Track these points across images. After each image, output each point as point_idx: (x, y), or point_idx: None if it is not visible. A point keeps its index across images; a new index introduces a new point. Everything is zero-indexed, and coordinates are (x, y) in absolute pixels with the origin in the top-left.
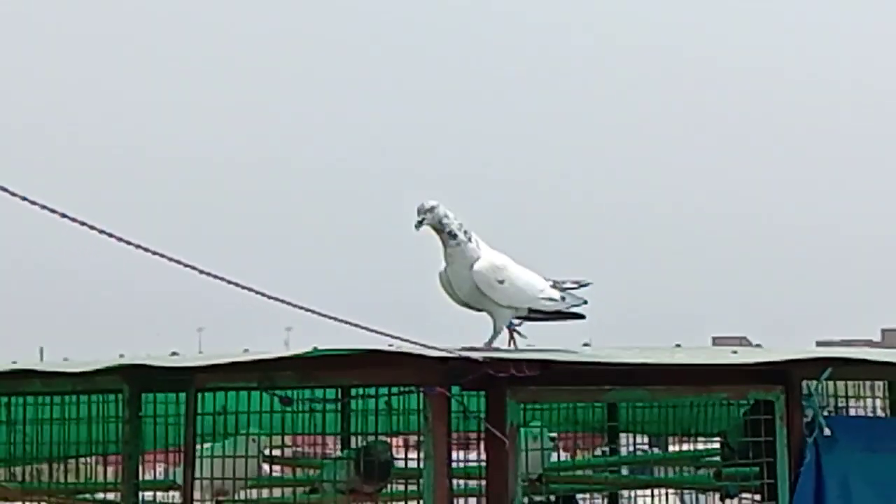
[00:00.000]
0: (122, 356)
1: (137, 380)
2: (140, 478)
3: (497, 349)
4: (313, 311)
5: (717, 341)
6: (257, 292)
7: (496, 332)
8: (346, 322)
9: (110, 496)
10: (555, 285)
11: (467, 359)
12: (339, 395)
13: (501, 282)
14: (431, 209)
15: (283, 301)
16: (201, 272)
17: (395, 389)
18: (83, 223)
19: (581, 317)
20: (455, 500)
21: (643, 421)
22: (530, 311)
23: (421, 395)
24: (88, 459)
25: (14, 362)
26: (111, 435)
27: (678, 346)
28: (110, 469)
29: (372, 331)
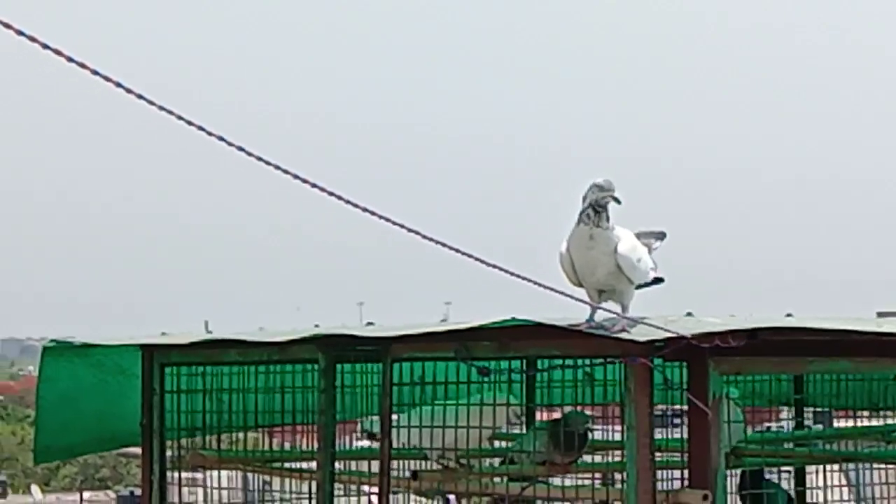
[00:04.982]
0: (317, 326)
1: (333, 350)
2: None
3: (700, 321)
4: (539, 284)
5: (881, 316)
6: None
7: (626, 310)
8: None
9: (305, 465)
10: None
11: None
12: (524, 366)
13: (639, 261)
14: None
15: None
16: (442, 245)
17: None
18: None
19: (661, 280)
20: (657, 473)
21: (829, 395)
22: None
23: (621, 365)
24: (283, 428)
25: (210, 332)
26: (307, 405)
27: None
28: (304, 438)
29: (576, 299)
